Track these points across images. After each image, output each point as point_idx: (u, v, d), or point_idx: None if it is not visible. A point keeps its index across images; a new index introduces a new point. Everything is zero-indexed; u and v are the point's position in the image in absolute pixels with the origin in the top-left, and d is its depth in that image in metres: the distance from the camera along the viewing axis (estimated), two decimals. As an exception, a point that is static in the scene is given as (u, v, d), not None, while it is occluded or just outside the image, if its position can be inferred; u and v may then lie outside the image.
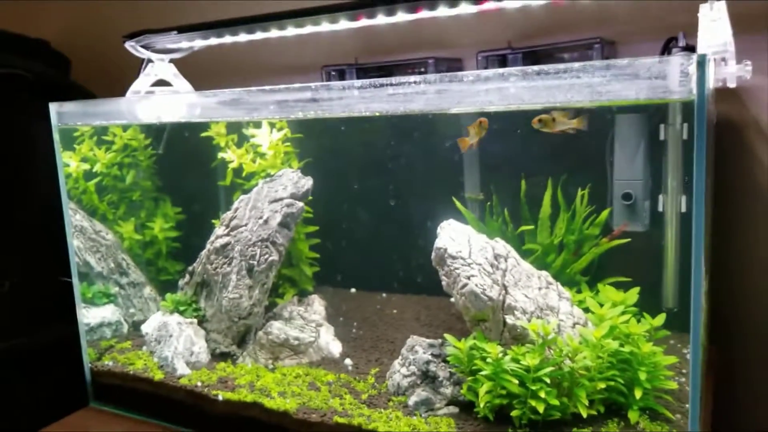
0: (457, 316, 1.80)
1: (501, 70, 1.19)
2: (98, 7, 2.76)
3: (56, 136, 1.88)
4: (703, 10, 1.40)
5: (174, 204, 2.23)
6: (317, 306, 1.92)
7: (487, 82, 1.21)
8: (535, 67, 1.15)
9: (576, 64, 1.11)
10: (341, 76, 2.12)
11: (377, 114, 1.36)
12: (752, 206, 1.77)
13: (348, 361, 1.76)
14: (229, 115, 1.59)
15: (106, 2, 2.73)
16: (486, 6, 1.64)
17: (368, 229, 2.15)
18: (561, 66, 1.13)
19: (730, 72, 1.35)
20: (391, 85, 1.29)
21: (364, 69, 2.11)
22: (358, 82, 1.34)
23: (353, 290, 2.26)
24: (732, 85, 1.38)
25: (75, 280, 1.96)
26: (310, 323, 1.82)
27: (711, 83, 1.30)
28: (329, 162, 2.12)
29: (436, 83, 1.26)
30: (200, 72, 2.14)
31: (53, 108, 1.85)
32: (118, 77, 2.06)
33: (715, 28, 1.38)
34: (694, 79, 1.02)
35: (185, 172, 2.24)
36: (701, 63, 1.01)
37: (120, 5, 2.68)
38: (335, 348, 1.83)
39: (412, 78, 1.27)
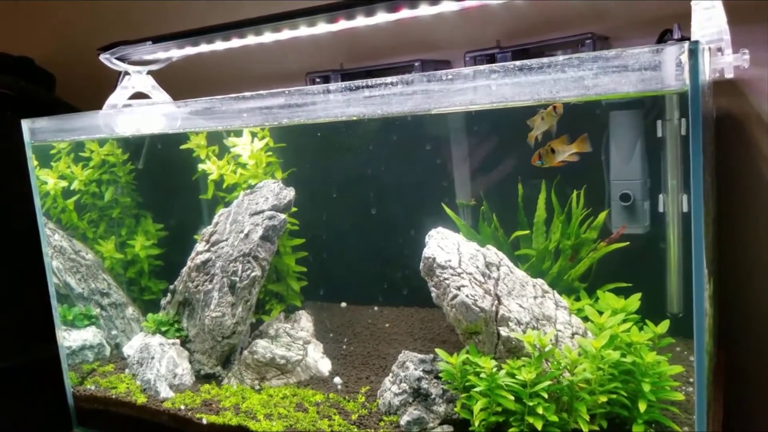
0: (452, 328, 1.72)
1: (482, 67, 1.12)
2: (84, 23, 2.72)
3: (30, 154, 1.82)
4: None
5: (155, 220, 2.16)
6: (305, 322, 1.84)
7: (467, 80, 1.14)
8: (518, 63, 1.08)
9: (560, 58, 1.04)
10: (326, 82, 2.05)
11: (355, 118, 1.29)
12: (757, 202, 1.70)
13: (337, 380, 1.68)
14: (203, 125, 1.53)
15: (91, 19, 2.69)
16: (469, 3, 1.58)
17: (358, 240, 2.08)
18: (545, 60, 1.05)
19: (727, 62, 1.27)
20: (368, 87, 1.22)
21: (349, 74, 2.05)
22: (333, 86, 1.27)
23: (343, 304, 2.18)
24: (729, 75, 1.31)
25: (54, 302, 1.89)
26: (297, 341, 1.74)
27: (707, 74, 1.23)
28: (315, 171, 2.05)
29: (414, 83, 1.19)
30: (183, 84, 2.08)
31: (25, 125, 1.79)
32: (104, 93, 2.00)
33: (709, 17, 1.31)
34: (687, 69, 0.94)
35: (166, 186, 2.17)
36: (694, 51, 0.93)
37: (106, 21, 2.64)
38: (324, 366, 1.75)
39: (389, 79, 1.20)
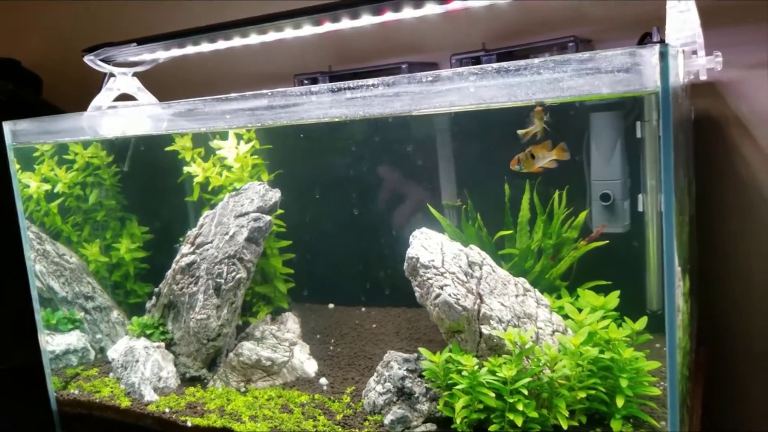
0: (438, 327, 1.73)
1: (460, 70, 1.13)
2: (72, 25, 2.70)
3: (11, 156, 1.81)
4: (671, 2, 1.36)
5: (141, 223, 2.16)
6: (291, 324, 1.84)
7: (446, 82, 1.16)
8: (495, 65, 1.09)
9: (536, 60, 1.06)
10: (314, 84, 2.06)
11: (337, 120, 1.30)
12: (736, 201, 1.73)
13: (323, 381, 1.69)
14: (187, 126, 1.53)
15: (79, 21, 2.68)
16: (452, 6, 1.60)
17: (345, 241, 2.09)
18: (521, 63, 1.07)
19: (701, 64, 1.30)
20: (349, 89, 1.24)
21: (337, 76, 2.06)
22: (315, 87, 1.28)
23: (331, 305, 2.19)
24: (703, 77, 1.34)
25: (36, 306, 1.88)
26: (283, 342, 1.74)
27: (681, 75, 1.26)
28: (301, 173, 2.06)
29: (395, 85, 1.20)
30: (171, 85, 2.08)
31: (6, 127, 1.78)
32: (92, 96, 1.99)
33: (683, 20, 1.34)
34: (658, 71, 0.96)
35: (151, 189, 2.17)
36: (664, 54, 0.95)
37: (94, 23, 2.63)
38: (310, 367, 1.75)
39: (370, 81, 1.21)
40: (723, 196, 1.74)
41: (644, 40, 1.65)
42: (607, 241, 1.58)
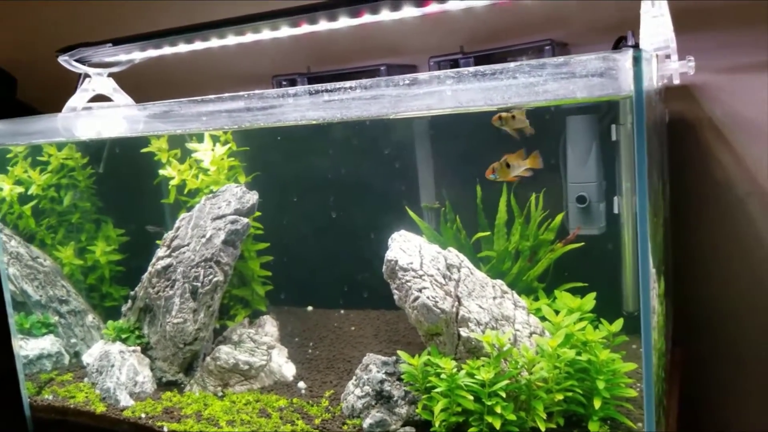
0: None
1: (437, 73, 1.13)
2: (48, 25, 2.65)
3: (-17, 159, 1.78)
4: (645, 6, 1.38)
5: (116, 225, 2.12)
6: (269, 327, 1.83)
7: (423, 85, 1.16)
8: (471, 69, 1.10)
9: (512, 64, 1.06)
10: (292, 85, 2.05)
11: (314, 122, 1.29)
12: (710, 203, 1.76)
13: (301, 384, 1.67)
14: (163, 128, 1.51)
15: (56, 20, 2.62)
16: (430, 8, 1.60)
17: (324, 244, 2.08)
18: (497, 66, 1.08)
19: (674, 68, 1.32)
20: (327, 91, 1.23)
21: (316, 78, 2.05)
22: (292, 89, 1.27)
23: (309, 308, 2.18)
24: (676, 81, 1.36)
25: (9, 310, 1.84)
26: (261, 346, 1.73)
27: (654, 80, 1.28)
28: (280, 175, 2.04)
29: (372, 88, 1.20)
30: (147, 86, 2.05)
31: (-22, 128, 1.74)
32: (69, 97, 1.95)
33: (656, 25, 1.36)
34: (631, 75, 0.97)
35: (127, 191, 2.13)
36: (637, 58, 0.97)
37: (71, 23, 2.58)
38: (288, 371, 1.74)
39: (348, 83, 1.21)
40: (698, 198, 1.77)
41: (619, 44, 1.67)
42: (583, 243, 1.59)
